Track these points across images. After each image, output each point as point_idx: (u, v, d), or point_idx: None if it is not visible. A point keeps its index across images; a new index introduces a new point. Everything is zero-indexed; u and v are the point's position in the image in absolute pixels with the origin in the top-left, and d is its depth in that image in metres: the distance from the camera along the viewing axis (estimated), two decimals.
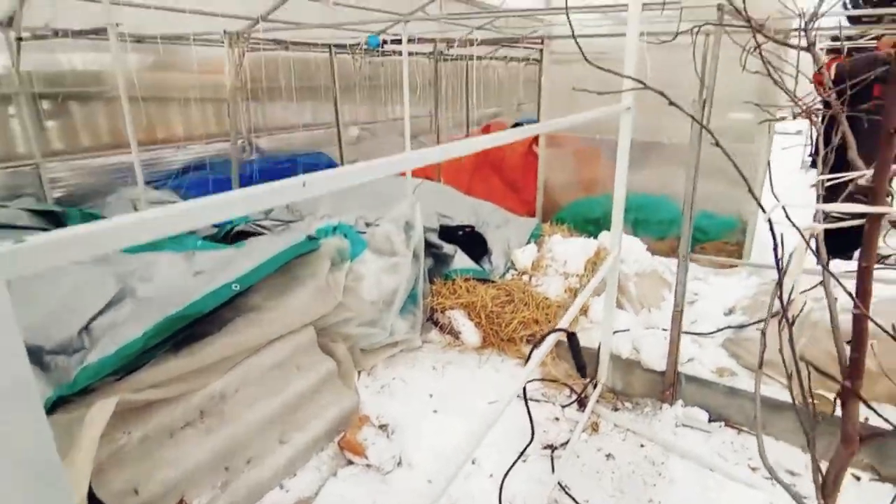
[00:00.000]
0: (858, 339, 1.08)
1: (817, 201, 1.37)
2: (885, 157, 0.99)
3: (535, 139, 6.16)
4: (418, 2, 6.93)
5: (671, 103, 1.33)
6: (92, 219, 3.53)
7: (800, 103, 1.62)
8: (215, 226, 4.85)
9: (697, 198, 2.75)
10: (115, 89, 4.48)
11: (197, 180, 5.44)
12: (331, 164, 6.57)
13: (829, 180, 1.33)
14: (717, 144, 1.24)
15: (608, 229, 3.07)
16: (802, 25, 1.58)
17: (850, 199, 1.16)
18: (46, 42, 4.61)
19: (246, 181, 5.54)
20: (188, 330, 2.29)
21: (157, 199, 4.88)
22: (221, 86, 5.88)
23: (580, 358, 2.08)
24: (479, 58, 7.46)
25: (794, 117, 1.73)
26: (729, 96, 4.13)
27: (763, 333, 1.24)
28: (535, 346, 2.07)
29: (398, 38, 4.24)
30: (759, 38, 1.61)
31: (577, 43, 1.54)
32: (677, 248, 2.81)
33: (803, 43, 1.54)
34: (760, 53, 1.62)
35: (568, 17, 1.73)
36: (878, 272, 1.14)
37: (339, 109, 6.71)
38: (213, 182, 5.30)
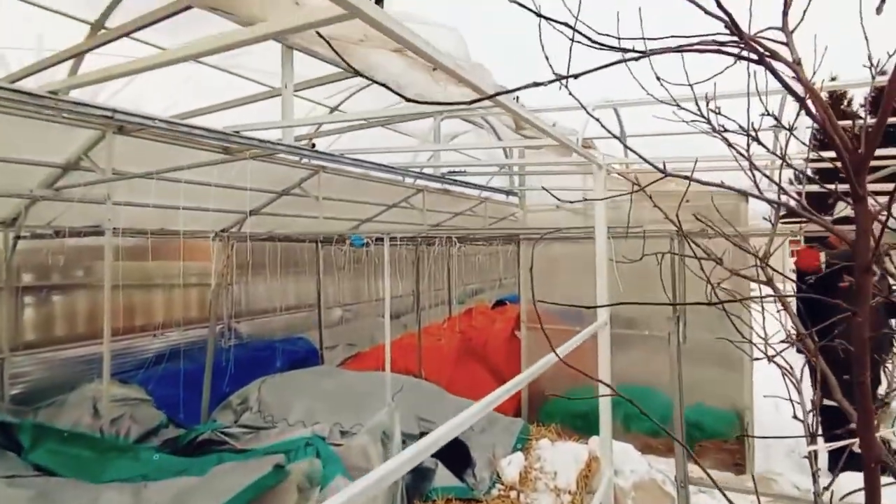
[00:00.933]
0: None
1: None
2: (866, 406, 0.90)
3: (517, 323, 6.19)
4: (402, 194, 7.48)
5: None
6: (43, 434, 3.24)
7: (768, 351, 1.61)
8: (177, 426, 4.53)
9: (690, 389, 2.65)
10: (100, 279, 4.51)
11: (169, 372, 5.21)
12: (310, 350, 6.43)
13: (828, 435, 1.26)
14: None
15: (597, 425, 2.89)
16: (757, 263, 1.63)
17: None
18: (44, 241, 4.75)
19: (221, 372, 5.33)
20: None
21: (122, 396, 4.60)
22: (206, 272, 6.00)
23: None
24: (460, 244, 7.84)
25: (769, 360, 1.70)
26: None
27: None
28: None
29: (382, 237, 4.43)
30: (720, 270, 1.65)
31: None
32: (672, 448, 2.62)
33: (762, 277, 1.57)
34: (715, 291, 1.65)
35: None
36: None
37: (321, 294, 6.79)
38: (184, 374, 5.07)
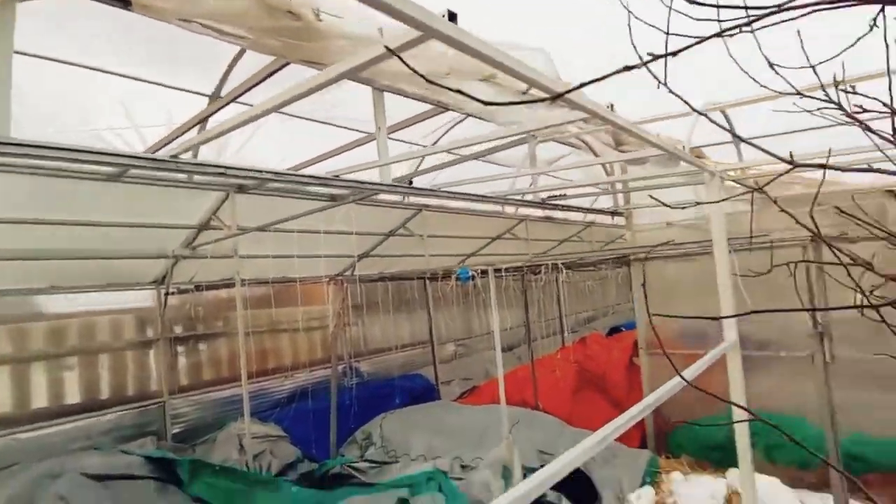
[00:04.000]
0: None
1: None
2: None
3: (635, 350, 5.85)
4: (505, 225, 7.51)
5: None
6: (199, 469, 3.60)
7: None
8: (311, 460, 4.80)
9: (844, 416, 2.31)
10: (235, 327, 5.03)
11: (299, 410, 5.58)
12: (427, 386, 6.56)
13: None
14: None
15: (734, 457, 2.58)
16: None
17: None
18: (187, 295, 5.43)
19: (345, 409, 5.60)
20: None
21: (262, 434, 5.00)
22: (325, 315, 6.43)
23: None
24: (566, 269, 7.66)
25: None
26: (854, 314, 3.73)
27: None
28: None
29: (486, 269, 4.47)
30: (870, 279, 1.43)
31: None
32: (827, 481, 2.28)
33: None
34: (870, 303, 1.43)
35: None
36: None
37: (433, 330, 6.94)
38: (313, 413, 5.41)
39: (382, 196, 5.28)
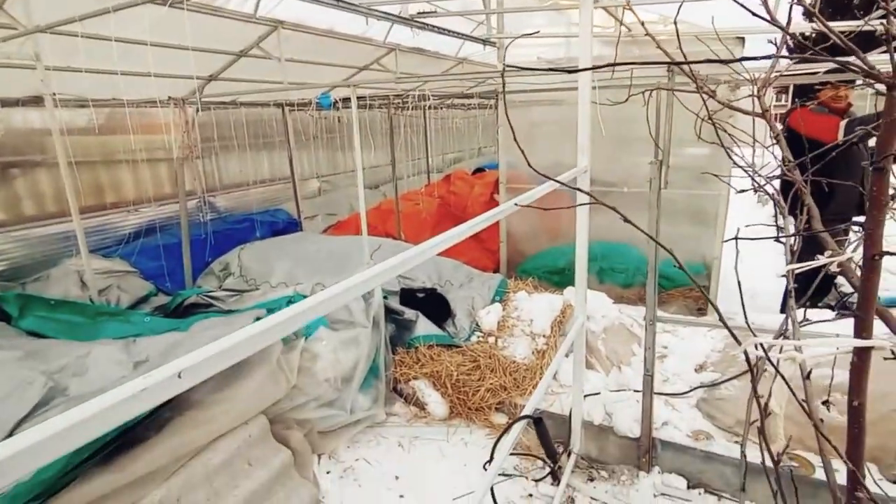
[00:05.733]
0: (857, 387, 0.91)
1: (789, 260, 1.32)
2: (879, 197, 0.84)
3: (496, 187, 6.17)
4: (372, 54, 6.98)
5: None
6: (30, 303, 3.25)
7: (757, 176, 1.59)
8: (165, 293, 4.62)
9: (663, 243, 2.71)
10: (53, 153, 4.31)
11: (148, 246, 5.19)
12: (290, 222, 6.41)
13: (800, 256, 1.28)
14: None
15: (573, 281, 3.00)
16: (755, 91, 1.56)
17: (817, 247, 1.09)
18: None
19: (200, 243, 5.33)
20: (119, 438, 2.08)
21: (107, 269, 4.63)
22: (170, 145, 5.74)
23: (550, 446, 1.96)
24: (436, 107, 7.52)
25: (755, 191, 1.69)
26: (687, 139, 4.20)
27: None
28: (501, 434, 1.94)
29: (349, 97, 4.19)
30: (712, 103, 1.58)
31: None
32: (643, 297, 2.76)
33: (757, 109, 1.51)
34: (713, 122, 1.60)
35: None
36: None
37: (294, 164, 6.60)
38: (164, 248, 5.07)
39: (231, 6, 4.50)
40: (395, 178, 5.35)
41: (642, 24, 1.60)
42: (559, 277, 5.08)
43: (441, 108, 8.50)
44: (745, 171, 1.66)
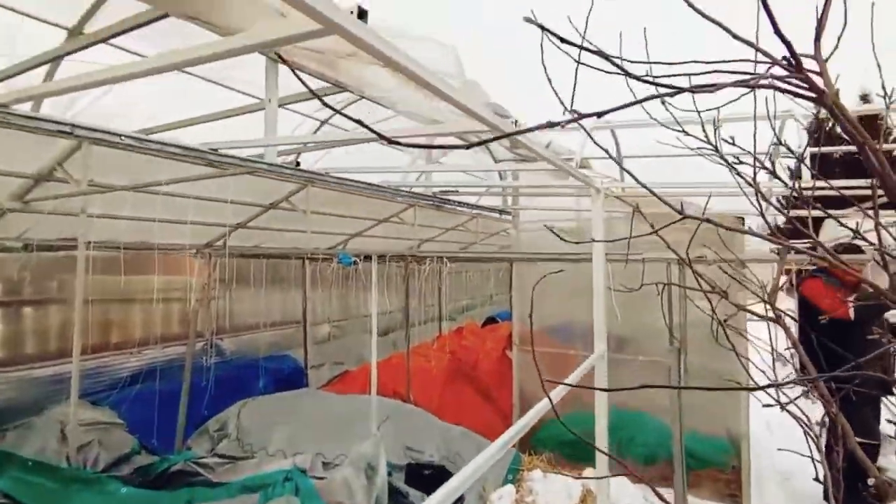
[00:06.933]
0: None
1: None
2: None
3: (509, 342, 6.03)
4: (395, 208, 7.32)
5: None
6: (6, 461, 3.00)
7: (774, 393, 1.54)
8: (151, 452, 4.30)
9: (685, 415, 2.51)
10: (72, 293, 4.32)
11: (144, 393, 4.97)
12: (296, 369, 6.22)
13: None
14: None
15: (589, 455, 2.74)
16: (765, 297, 1.57)
17: None
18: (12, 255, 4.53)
19: (200, 392, 5.09)
20: None
21: (93, 419, 4.36)
22: (188, 288, 5.78)
23: None
24: (451, 261, 7.70)
25: (782, 408, 1.59)
26: (705, 320, 4.11)
27: None
28: None
29: (370, 255, 4.28)
30: (726, 304, 1.59)
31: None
32: (668, 476, 2.47)
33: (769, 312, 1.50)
34: (723, 327, 1.56)
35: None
36: None
37: (307, 310, 6.59)
38: (161, 396, 4.84)
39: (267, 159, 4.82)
40: (408, 335, 5.27)
41: (652, 227, 1.62)
42: (569, 450, 4.71)
43: (455, 261, 8.72)
44: (765, 390, 1.58)
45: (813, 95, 0.71)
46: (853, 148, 0.86)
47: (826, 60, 1.10)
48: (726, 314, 1.64)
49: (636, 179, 1.33)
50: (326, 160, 4.39)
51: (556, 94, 0.81)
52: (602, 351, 2.61)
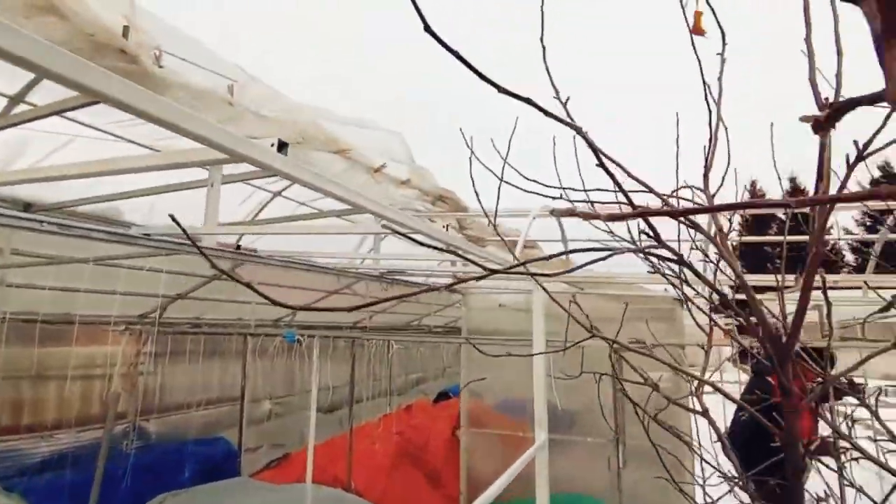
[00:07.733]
0: None
1: None
2: None
3: (459, 421, 5.82)
4: (345, 281, 7.18)
5: None
6: None
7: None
8: None
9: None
10: None
11: (55, 482, 4.45)
12: (229, 454, 5.75)
13: None
14: None
15: None
16: (692, 392, 1.64)
17: None
18: None
19: (115, 482, 4.59)
20: None
21: None
22: (113, 359, 5.35)
23: None
24: (397, 342, 7.55)
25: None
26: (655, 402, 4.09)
27: None
28: None
29: (314, 334, 4.12)
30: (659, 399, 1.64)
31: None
32: None
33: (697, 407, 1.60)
34: (657, 422, 1.62)
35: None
36: None
37: (245, 387, 6.21)
38: (70, 487, 4.33)
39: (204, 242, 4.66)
40: (351, 419, 5.01)
41: (592, 329, 1.66)
42: None
43: (404, 337, 8.55)
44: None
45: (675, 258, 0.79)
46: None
47: (714, 195, 1.26)
48: (658, 407, 1.70)
49: (571, 269, 1.39)
50: (269, 240, 4.28)
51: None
52: (543, 441, 2.54)
